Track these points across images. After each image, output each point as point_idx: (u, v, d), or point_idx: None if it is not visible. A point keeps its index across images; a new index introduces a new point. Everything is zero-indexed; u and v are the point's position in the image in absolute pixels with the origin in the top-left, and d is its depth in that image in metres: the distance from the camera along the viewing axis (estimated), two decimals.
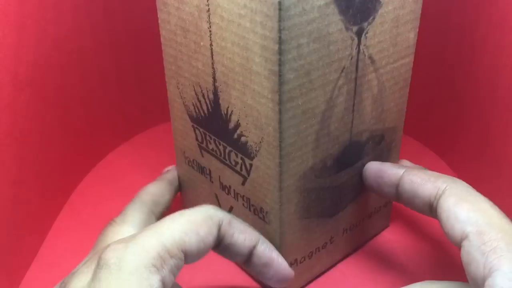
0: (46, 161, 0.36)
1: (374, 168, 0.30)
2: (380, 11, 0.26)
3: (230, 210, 0.32)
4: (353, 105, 0.28)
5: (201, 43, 0.27)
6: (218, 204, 0.33)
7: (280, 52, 0.23)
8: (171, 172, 0.35)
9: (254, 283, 0.33)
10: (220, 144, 0.29)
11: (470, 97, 0.37)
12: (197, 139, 0.31)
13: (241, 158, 0.28)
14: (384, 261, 0.34)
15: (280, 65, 0.23)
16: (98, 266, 0.22)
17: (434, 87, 0.41)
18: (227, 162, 0.30)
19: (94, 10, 0.39)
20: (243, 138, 0.27)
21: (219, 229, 0.25)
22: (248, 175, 0.28)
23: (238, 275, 0.33)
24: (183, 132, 0.32)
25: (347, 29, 0.25)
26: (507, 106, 0.33)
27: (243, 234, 0.26)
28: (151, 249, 0.22)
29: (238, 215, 0.29)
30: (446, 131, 0.41)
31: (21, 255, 0.33)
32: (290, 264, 0.29)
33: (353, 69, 0.26)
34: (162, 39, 0.30)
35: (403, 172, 0.28)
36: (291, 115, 0.25)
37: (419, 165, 0.32)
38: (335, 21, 0.24)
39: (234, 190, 0.30)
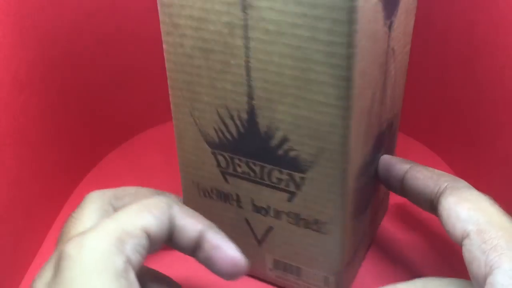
0: (46, 161, 0.36)
1: (384, 162, 0.30)
2: (400, 3, 0.26)
3: (267, 232, 0.30)
4: (383, 98, 0.28)
5: (231, 62, 0.26)
6: (250, 229, 0.31)
7: (349, 56, 0.22)
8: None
9: (254, 283, 0.33)
10: (255, 165, 0.28)
11: (470, 97, 0.37)
12: (219, 166, 0.30)
13: (288, 174, 0.27)
14: (387, 257, 0.34)
15: (348, 69, 0.23)
16: (60, 258, 0.22)
17: (434, 87, 0.41)
18: (266, 181, 0.28)
19: (94, 10, 0.39)
20: (292, 153, 0.26)
21: (171, 211, 0.25)
22: (298, 189, 0.28)
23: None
24: (197, 162, 0.30)
25: (385, 24, 0.25)
26: (507, 106, 0.33)
27: (192, 218, 0.26)
28: (111, 232, 0.22)
29: (279, 236, 0.29)
30: (446, 131, 0.41)
31: (21, 255, 0.33)
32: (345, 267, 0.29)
33: (384, 62, 0.27)
34: (170, 65, 0.27)
35: (409, 168, 0.29)
36: (355, 119, 0.25)
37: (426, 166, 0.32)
38: (380, 18, 0.24)
39: (274, 209, 0.29)
